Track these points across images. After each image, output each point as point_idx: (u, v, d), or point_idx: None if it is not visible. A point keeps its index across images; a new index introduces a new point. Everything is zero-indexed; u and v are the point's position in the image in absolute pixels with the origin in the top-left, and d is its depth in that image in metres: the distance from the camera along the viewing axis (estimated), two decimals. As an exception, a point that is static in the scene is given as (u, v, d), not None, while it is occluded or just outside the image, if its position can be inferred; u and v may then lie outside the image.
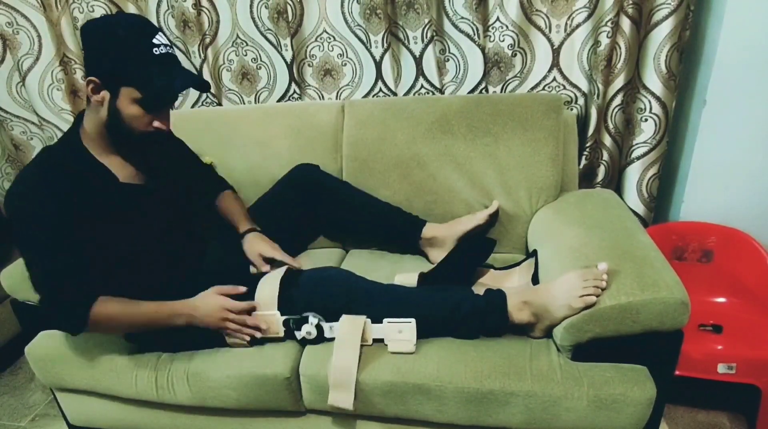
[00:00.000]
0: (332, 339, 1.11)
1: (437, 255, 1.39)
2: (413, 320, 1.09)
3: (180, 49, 1.76)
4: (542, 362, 1.04)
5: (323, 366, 1.10)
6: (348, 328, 1.09)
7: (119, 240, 1.11)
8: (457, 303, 1.11)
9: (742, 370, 1.25)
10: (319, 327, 1.11)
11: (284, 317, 1.13)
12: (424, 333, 1.10)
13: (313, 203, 1.43)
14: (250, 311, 1.14)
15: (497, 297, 1.11)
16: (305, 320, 1.11)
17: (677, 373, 1.24)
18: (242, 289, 1.15)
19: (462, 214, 1.44)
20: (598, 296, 0.98)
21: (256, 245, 1.27)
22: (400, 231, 1.43)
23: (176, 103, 1.84)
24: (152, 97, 1.03)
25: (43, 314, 1.11)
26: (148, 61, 1.00)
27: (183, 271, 1.22)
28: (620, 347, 1.01)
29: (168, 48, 1.04)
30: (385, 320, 1.10)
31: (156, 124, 1.07)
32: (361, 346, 1.09)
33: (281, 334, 1.14)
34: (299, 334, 1.13)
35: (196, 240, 1.31)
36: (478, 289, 1.17)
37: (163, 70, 1.02)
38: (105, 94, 1.03)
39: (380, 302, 1.13)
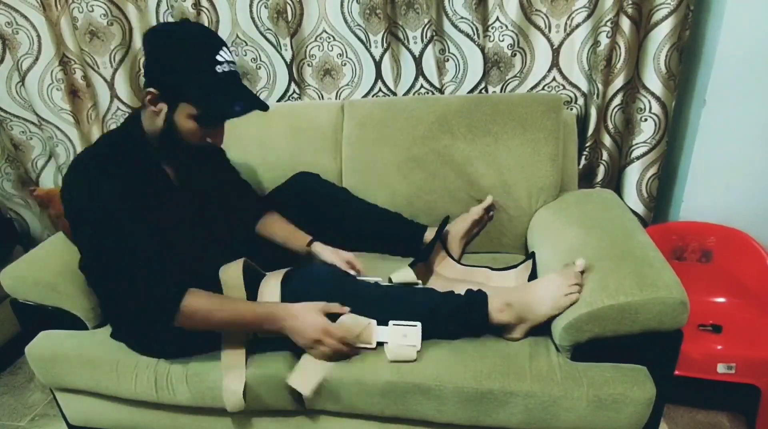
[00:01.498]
0: None
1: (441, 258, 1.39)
2: (419, 324, 1.08)
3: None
4: (542, 362, 1.04)
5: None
6: (351, 326, 1.08)
7: (170, 238, 1.08)
8: (437, 302, 1.11)
9: (742, 370, 1.25)
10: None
11: None
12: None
13: (313, 212, 1.43)
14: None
15: (478, 297, 1.11)
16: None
17: (677, 373, 1.24)
18: (347, 309, 1.08)
19: (461, 214, 1.44)
20: (579, 292, 1.01)
21: (330, 251, 1.27)
22: (401, 238, 1.42)
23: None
24: (210, 117, 1.04)
25: (128, 307, 1.06)
26: (210, 79, 0.99)
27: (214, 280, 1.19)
28: (620, 347, 1.01)
29: (232, 65, 1.03)
30: (391, 323, 1.09)
31: (210, 139, 1.08)
32: (365, 348, 1.09)
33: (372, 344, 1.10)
34: None
35: (232, 251, 1.27)
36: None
37: (225, 90, 1.02)
38: (162, 106, 1.03)
39: (366, 299, 1.12)
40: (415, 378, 1.05)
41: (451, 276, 1.34)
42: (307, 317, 1.05)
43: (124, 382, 1.20)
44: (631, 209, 1.46)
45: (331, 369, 1.08)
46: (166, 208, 1.10)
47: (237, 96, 1.05)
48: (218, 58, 1.00)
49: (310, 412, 1.19)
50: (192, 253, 1.13)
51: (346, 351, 1.07)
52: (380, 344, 1.10)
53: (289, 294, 1.11)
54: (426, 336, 1.10)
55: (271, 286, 1.14)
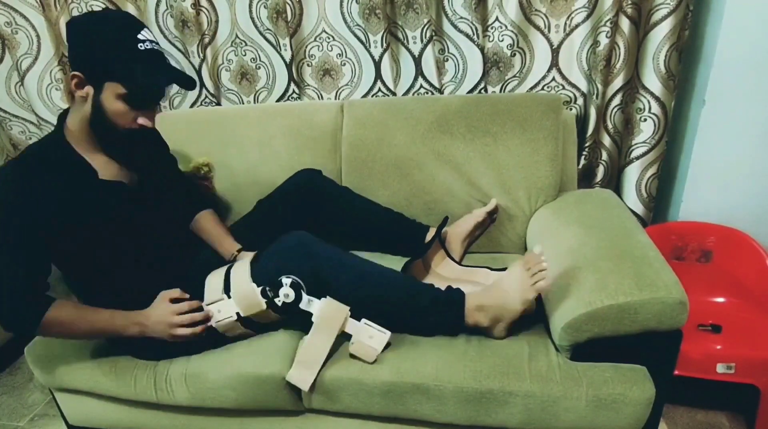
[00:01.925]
0: (309, 313, 1.09)
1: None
2: (389, 333, 1.08)
3: (179, 49, 1.76)
4: (541, 362, 1.04)
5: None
6: (331, 313, 1.08)
7: (101, 239, 1.10)
8: (418, 291, 1.11)
9: (741, 369, 1.25)
10: (295, 286, 1.08)
11: (260, 287, 1.10)
12: (379, 313, 1.10)
13: (314, 209, 1.43)
14: (198, 308, 1.13)
15: (456, 295, 1.12)
16: (279, 284, 1.08)
17: (676, 372, 1.24)
18: (187, 295, 1.13)
19: (461, 214, 1.44)
20: (544, 279, 1.02)
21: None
22: (402, 238, 1.42)
23: (176, 103, 1.84)
24: (137, 93, 1.03)
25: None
26: (133, 56, 1.00)
27: (169, 274, 1.20)
28: (619, 347, 1.01)
29: (154, 44, 1.04)
30: (363, 320, 1.09)
31: (140, 120, 1.06)
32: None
33: (263, 306, 1.10)
34: (279, 300, 1.09)
35: (185, 245, 1.30)
36: (474, 289, 1.16)
37: (149, 66, 1.02)
38: (89, 89, 1.03)
39: (344, 274, 1.12)
40: (415, 378, 1.05)
41: (450, 276, 1.34)
42: (156, 311, 1.10)
43: (123, 382, 1.20)
44: (630, 209, 1.46)
45: (325, 362, 1.09)
46: (88, 201, 1.09)
47: (161, 72, 1.04)
48: (139, 36, 1.01)
49: (310, 412, 1.19)
50: (128, 244, 1.14)
51: (200, 317, 1.11)
52: (346, 335, 1.10)
53: (261, 274, 1.11)
54: (398, 327, 1.11)
55: (241, 271, 1.13)
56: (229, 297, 1.12)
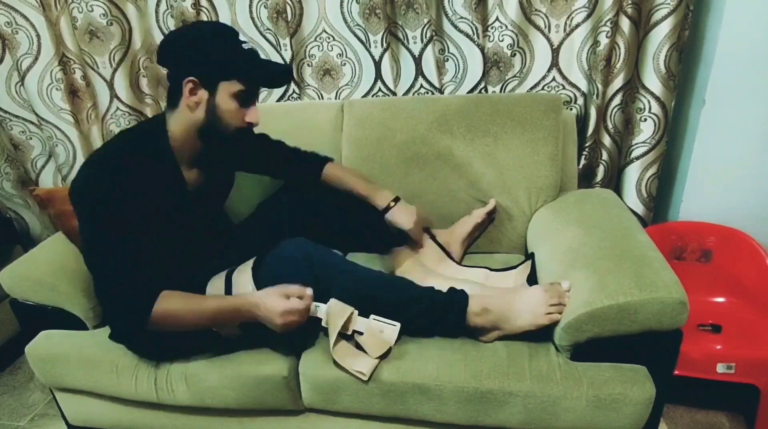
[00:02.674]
0: (318, 319, 1.09)
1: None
2: (398, 324, 1.08)
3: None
4: (541, 362, 1.04)
5: (323, 365, 1.10)
6: (338, 313, 1.08)
7: (168, 240, 1.11)
8: (418, 295, 1.12)
9: (741, 369, 1.25)
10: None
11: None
12: (381, 315, 1.11)
13: (313, 211, 1.43)
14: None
15: (458, 297, 1.11)
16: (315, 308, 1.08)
17: (676, 372, 1.24)
18: (309, 291, 1.07)
19: (461, 214, 1.44)
20: (560, 313, 1.03)
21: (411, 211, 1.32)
22: (402, 241, 1.42)
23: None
24: (252, 87, 1.08)
25: (104, 311, 1.08)
26: (242, 54, 1.06)
27: (205, 266, 1.22)
28: (619, 347, 1.01)
29: (251, 45, 1.09)
30: (372, 316, 1.09)
31: (248, 118, 1.10)
32: (342, 334, 1.09)
33: None
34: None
35: (220, 236, 1.33)
36: (474, 289, 1.16)
37: (256, 61, 1.08)
38: (203, 94, 1.06)
39: (344, 279, 1.12)
40: (415, 378, 1.05)
41: (450, 276, 1.34)
42: (267, 303, 1.05)
43: (123, 382, 1.20)
44: (630, 209, 1.46)
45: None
46: (175, 214, 1.11)
47: (266, 65, 1.12)
48: (240, 38, 1.07)
49: (310, 412, 1.19)
50: (184, 243, 1.15)
51: (302, 318, 1.06)
52: (356, 332, 1.10)
53: (263, 282, 1.10)
54: (403, 332, 1.10)
55: (243, 279, 1.13)
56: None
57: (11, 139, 1.96)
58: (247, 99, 1.09)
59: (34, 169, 2.01)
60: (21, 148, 1.98)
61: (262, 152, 1.38)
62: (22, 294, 1.31)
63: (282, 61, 1.68)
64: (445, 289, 1.14)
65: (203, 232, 1.23)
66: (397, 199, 1.33)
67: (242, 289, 1.12)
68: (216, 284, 1.16)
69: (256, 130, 1.17)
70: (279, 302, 1.03)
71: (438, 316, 1.10)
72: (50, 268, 1.29)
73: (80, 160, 1.90)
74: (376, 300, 1.11)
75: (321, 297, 1.09)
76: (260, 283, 1.10)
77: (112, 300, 1.05)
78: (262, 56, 1.13)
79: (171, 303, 1.05)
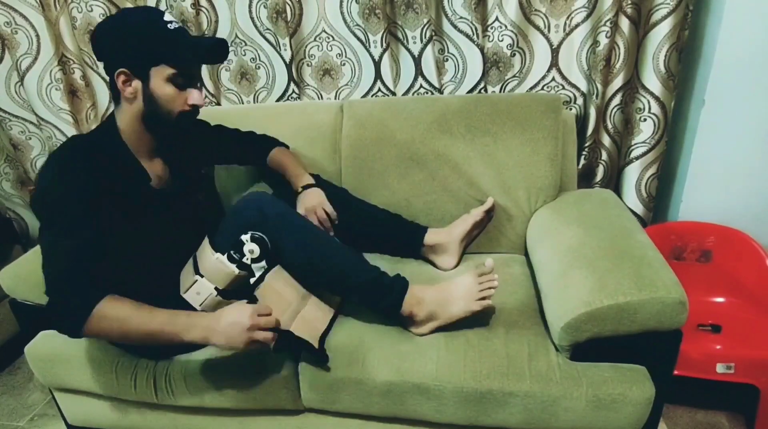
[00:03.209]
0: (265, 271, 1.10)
1: (443, 261, 1.38)
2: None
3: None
4: (541, 362, 1.04)
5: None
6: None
7: (135, 240, 1.09)
8: (362, 268, 1.14)
9: (741, 369, 1.25)
10: (258, 240, 1.08)
11: (225, 254, 1.07)
12: (320, 278, 1.14)
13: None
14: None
15: (399, 282, 1.14)
16: (241, 243, 1.08)
17: (676, 372, 1.24)
18: (270, 309, 1.03)
19: (460, 214, 1.44)
20: (490, 297, 1.08)
21: (315, 198, 1.32)
22: (401, 239, 1.42)
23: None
24: (185, 68, 1.05)
25: (45, 309, 1.00)
26: (169, 36, 1.03)
27: (175, 273, 1.18)
28: (619, 347, 1.01)
29: (179, 23, 1.07)
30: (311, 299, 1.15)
31: (191, 100, 1.08)
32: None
33: (235, 270, 1.07)
34: (247, 259, 1.08)
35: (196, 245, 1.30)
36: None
37: (185, 41, 1.05)
38: (137, 84, 1.04)
39: (292, 235, 1.12)
40: (414, 378, 1.05)
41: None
42: (225, 317, 0.98)
43: (123, 382, 1.20)
44: (630, 209, 1.46)
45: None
46: (141, 211, 1.10)
47: (197, 43, 1.08)
48: (165, 18, 1.04)
49: (310, 412, 1.19)
50: (159, 246, 1.13)
51: (274, 323, 1.02)
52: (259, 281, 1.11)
53: (221, 242, 1.10)
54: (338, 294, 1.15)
55: (204, 247, 1.11)
56: (201, 276, 1.08)
57: (11, 139, 1.96)
58: (184, 81, 1.06)
59: (33, 169, 2.01)
60: (20, 148, 1.98)
61: (218, 141, 1.39)
62: (22, 294, 1.31)
63: (281, 61, 1.68)
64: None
65: (180, 234, 1.17)
66: (310, 185, 1.35)
67: (206, 260, 1.09)
68: (185, 267, 1.14)
69: (211, 118, 1.17)
70: (246, 308, 0.99)
71: (376, 296, 1.12)
72: (50, 268, 1.29)
73: (80, 160, 1.90)
74: (323, 260, 1.12)
75: (271, 251, 1.11)
76: (219, 245, 1.09)
77: (52, 297, 0.98)
78: (196, 35, 1.13)
79: (115, 308, 0.97)
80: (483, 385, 1.02)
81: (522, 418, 1.03)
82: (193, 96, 1.08)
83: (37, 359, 1.28)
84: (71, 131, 1.87)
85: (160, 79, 1.04)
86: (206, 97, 1.80)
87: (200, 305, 1.08)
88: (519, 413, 1.03)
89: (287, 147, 1.49)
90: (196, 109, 1.10)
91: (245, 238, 1.08)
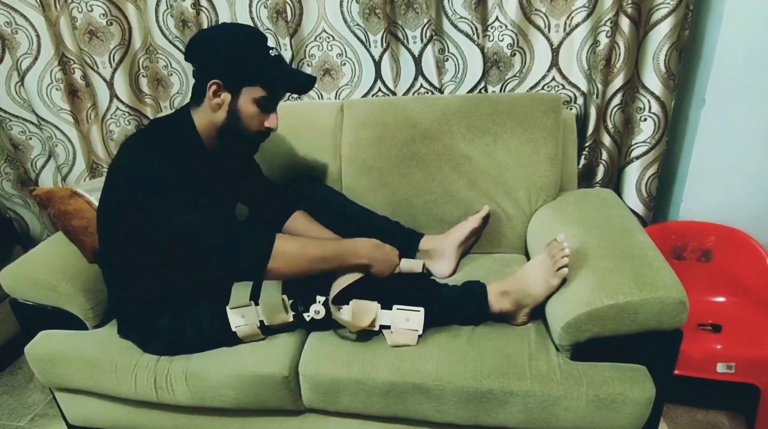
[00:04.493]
0: (344, 320, 1.11)
1: (440, 267, 1.38)
2: (422, 309, 1.10)
3: (179, 49, 1.76)
4: (541, 362, 1.04)
5: (323, 365, 1.10)
6: (363, 310, 1.10)
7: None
8: (437, 291, 1.16)
9: (741, 369, 1.25)
10: (327, 305, 1.11)
11: (291, 300, 1.12)
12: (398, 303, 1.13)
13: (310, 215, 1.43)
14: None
15: (476, 287, 1.15)
16: (312, 300, 1.11)
17: (676, 372, 1.24)
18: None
19: (460, 214, 1.45)
20: (567, 266, 1.05)
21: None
22: (396, 244, 1.41)
23: (176, 103, 1.85)
24: (274, 94, 1.12)
25: (222, 260, 1.06)
26: (268, 62, 1.09)
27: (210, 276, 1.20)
28: (619, 347, 1.01)
29: (278, 51, 1.13)
30: (395, 307, 1.11)
31: (268, 123, 1.14)
32: (369, 331, 1.11)
33: (290, 319, 1.12)
34: (308, 316, 1.12)
35: None
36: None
37: (282, 69, 1.12)
38: (226, 96, 1.09)
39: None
40: (415, 378, 1.05)
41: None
42: (385, 249, 1.19)
43: (123, 381, 1.20)
44: (630, 209, 1.46)
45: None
46: (205, 196, 1.11)
47: (292, 73, 1.16)
48: (268, 44, 1.11)
49: (310, 412, 1.19)
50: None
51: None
52: (383, 327, 1.12)
53: (293, 286, 1.12)
54: (429, 323, 1.12)
55: (273, 282, 1.13)
56: (257, 304, 1.12)
57: (11, 139, 1.96)
58: (268, 105, 1.12)
59: (33, 169, 2.01)
60: (21, 148, 1.98)
61: (253, 178, 1.40)
62: (22, 294, 1.31)
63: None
64: None
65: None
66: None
67: (270, 295, 1.11)
68: (242, 285, 1.14)
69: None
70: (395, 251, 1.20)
71: (461, 308, 1.14)
72: (50, 268, 1.29)
73: (80, 160, 1.90)
74: (399, 300, 1.13)
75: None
76: (289, 287, 1.12)
77: (234, 249, 1.05)
78: (289, 66, 1.18)
79: (288, 243, 1.09)
80: (483, 384, 1.02)
81: (522, 417, 1.03)
82: (271, 120, 1.14)
83: (37, 359, 1.28)
84: (71, 131, 1.87)
85: (248, 98, 1.09)
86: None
87: (236, 327, 1.13)
88: (519, 413, 1.03)
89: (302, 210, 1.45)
90: (269, 132, 1.16)
91: (320, 298, 1.11)
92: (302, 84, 1.15)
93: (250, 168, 1.40)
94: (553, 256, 1.07)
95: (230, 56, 1.07)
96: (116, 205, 1.09)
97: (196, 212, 1.03)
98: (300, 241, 1.13)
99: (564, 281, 1.07)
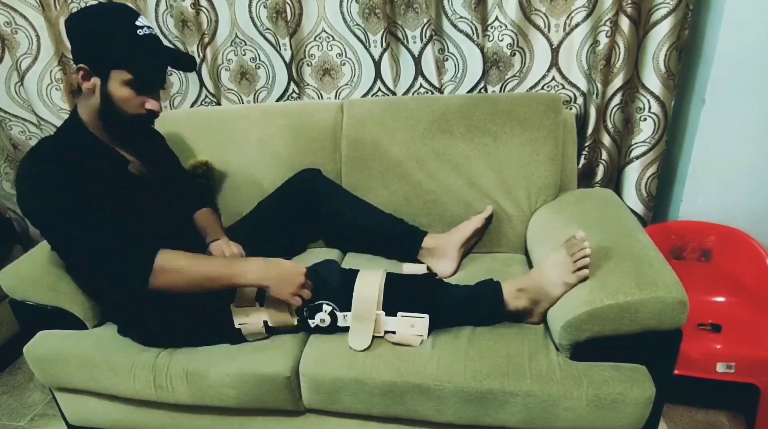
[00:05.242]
0: (345, 328, 1.12)
1: (442, 265, 1.38)
2: (427, 316, 1.10)
3: (179, 49, 1.76)
4: (541, 362, 1.04)
5: (323, 365, 1.10)
6: (365, 311, 1.10)
7: (127, 220, 1.10)
8: (449, 292, 1.15)
9: (741, 369, 1.25)
10: (333, 314, 1.11)
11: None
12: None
13: (312, 210, 1.43)
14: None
15: (490, 285, 1.14)
16: (319, 308, 1.12)
17: (676, 372, 1.24)
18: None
19: (460, 214, 1.44)
20: (587, 266, 1.02)
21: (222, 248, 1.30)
22: (399, 241, 1.42)
23: (176, 102, 1.85)
24: (142, 77, 1.06)
25: (105, 283, 1.07)
26: (134, 42, 1.03)
27: None
28: (619, 346, 1.01)
29: (151, 29, 1.07)
30: (399, 314, 1.11)
31: (148, 105, 1.09)
32: (373, 337, 1.11)
33: (294, 322, 1.14)
34: (313, 323, 1.12)
35: (193, 237, 1.33)
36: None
37: (150, 49, 1.06)
38: (96, 80, 1.06)
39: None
40: (415, 378, 1.05)
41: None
42: (287, 265, 1.08)
43: (122, 381, 1.20)
44: (630, 209, 1.46)
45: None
46: (123, 191, 1.11)
47: (162, 53, 1.09)
48: (137, 23, 1.04)
49: (310, 412, 1.19)
50: (143, 233, 1.13)
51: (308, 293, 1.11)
52: (387, 332, 1.12)
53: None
54: (439, 325, 1.12)
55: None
56: (262, 305, 1.12)
57: (11, 139, 1.96)
58: (142, 87, 1.07)
59: (33, 169, 2.00)
60: (20, 148, 1.98)
61: (165, 159, 1.38)
62: (21, 294, 1.31)
63: (281, 61, 1.68)
64: None
65: (164, 219, 1.21)
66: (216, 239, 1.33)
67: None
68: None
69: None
70: (300, 269, 1.09)
71: (476, 307, 1.13)
72: (50, 267, 1.29)
73: (80, 160, 1.90)
74: (408, 304, 1.12)
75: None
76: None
77: (112, 265, 1.02)
78: (165, 45, 1.12)
79: (171, 259, 1.04)
80: (483, 384, 1.02)
81: (522, 417, 1.03)
82: (152, 102, 1.09)
83: (37, 359, 1.28)
84: (71, 131, 1.87)
85: (117, 81, 1.05)
86: (206, 96, 1.80)
87: (239, 325, 1.14)
88: (519, 413, 1.03)
89: (211, 207, 1.46)
90: (152, 114, 1.11)
91: (327, 307, 1.10)
92: (172, 63, 1.10)
93: (164, 156, 1.38)
94: (572, 254, 1.04)
95: (92, 39, 1.03)
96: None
97: (76, 228, 1.01)
98: (185, 259, 1.07)
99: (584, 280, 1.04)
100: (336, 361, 1.10)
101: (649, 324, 0.96)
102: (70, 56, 1.76)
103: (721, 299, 1.48)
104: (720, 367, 1.26)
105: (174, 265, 1.05)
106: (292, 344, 1.16)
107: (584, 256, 1.02)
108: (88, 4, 1.67)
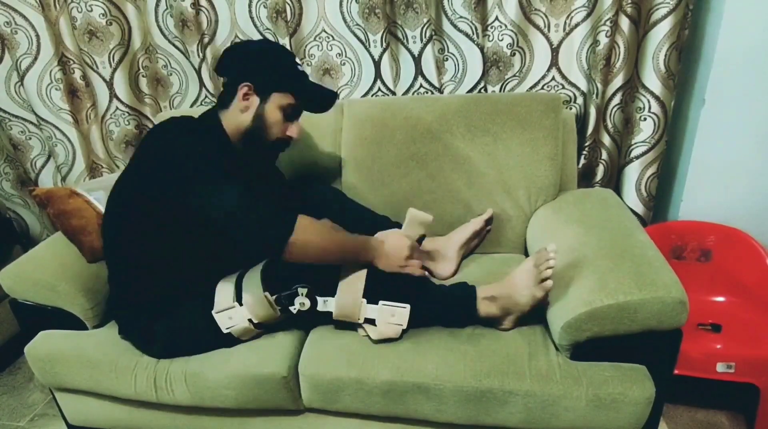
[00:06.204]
0: (328, 312, 1.12)
1: (441, 268, 1.38)
2: (408, 306, 1.11)
3: (179, 49, 1.76)
4: (541, 361, 1.04)
5: (323, 364, 1.10)
6: (348, 303, 1.11)
7: (203, 228, 1.11)
8: (427, 287, 1.16)
9: (741, 369, 1.25)
10: (311, 297, 1.10)
11: (274, 296, 1.10)
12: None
13: (309, 214, 1.42)
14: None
15: (467, 289, 1.15)
16: (295, 293, 1.10)
17: (676, 372, 1.24)
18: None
19: (460, 214, 1.44)
20: (550, 277, 1.03)
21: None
22: None
23: (176, 102, 1.85)
24: (303, 102, 1.19)
25: (245, 239, 1.04)
26: (297, 73, 1.18)
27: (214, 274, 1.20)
28: (619, 346, 1.01)
29: (303, 67, 1.21)
30: (381, 302, 1.11)
31: (290, 131, 1.18)
32: (353, 324, 1.12)
33: (277, 313, 1.12)
34: (294, 309, 1.11)
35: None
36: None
37: (308, 80, 1.21)
38: (254, 100, 1.14)
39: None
40: (415, 378, 1.05)
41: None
42: (389, 241, 1.14)
43: (123, 381, 1.20)
44: (630, 208, 1.46)
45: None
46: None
47: (316, 87, 1.23)
48: (296, 60, 1.20)
49: (310, 412, 1.19)
50: (204, 241, 1.13)
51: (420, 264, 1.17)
52: (368, 321, 1.12)
53: (273, 281, 1.11)
54: (417, 321, 1.12)
55: (253, 280, 1.12)
56: (241, 304, 1.12)
57: (11, 139, 1.96)
58: (292, 113, 1.18)
59: (33, 169, 2.01)
60: (20, 148, 1.98)
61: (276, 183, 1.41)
62: (21, 294, 1.31)
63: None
64: None
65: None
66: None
67: (252, 294, 1.11)
68: (224, 287, 1.14)
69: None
70: (406, 240, 1.15)
71: (449, 307, 1.13)
72: (50, 268, 1.29)
73: (80, 159, 1.90)
74: (387, 295, 1.12)
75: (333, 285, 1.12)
76: (270, 283, 1.11)
77: (259, 220, 1.03)
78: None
79: (309, 226, 1.06)
80: (483, 384, 1.02)
81: (522, 417, 1.03)
82: (293, 129, 1.19)
83: (37, 359, 1.28)
84: (71, 131, 1.87)
85: (275, 104, 1.14)
86: (206, 96, 1.80)
87: (227, 328, 1.14)
88: (519, 412, 1.03)
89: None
90: (290, 140, 1.20)
91: (302, 291, 1.10)
92: (327, 98, 1.23)
93: (274, 175, 1.42)
94: (538, 265, 1.05)
95: (264, 62, 1.14)
96: (143, 185, 1.08)
97: (233, 187, 1.02)
98: (323, 224, 1.11)
99: (553, 292, 1.06)
100: (335, 360, 1.10)
101: (649, 324, 0.96)
102: (70, 57, 1.78)
103: (721, 299, 1.48)
104: (720, 367, 1.26)
105: (313, 227, 1.07)
106: (290, 344, 1.16)
107: (549, 268, 1.03)
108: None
